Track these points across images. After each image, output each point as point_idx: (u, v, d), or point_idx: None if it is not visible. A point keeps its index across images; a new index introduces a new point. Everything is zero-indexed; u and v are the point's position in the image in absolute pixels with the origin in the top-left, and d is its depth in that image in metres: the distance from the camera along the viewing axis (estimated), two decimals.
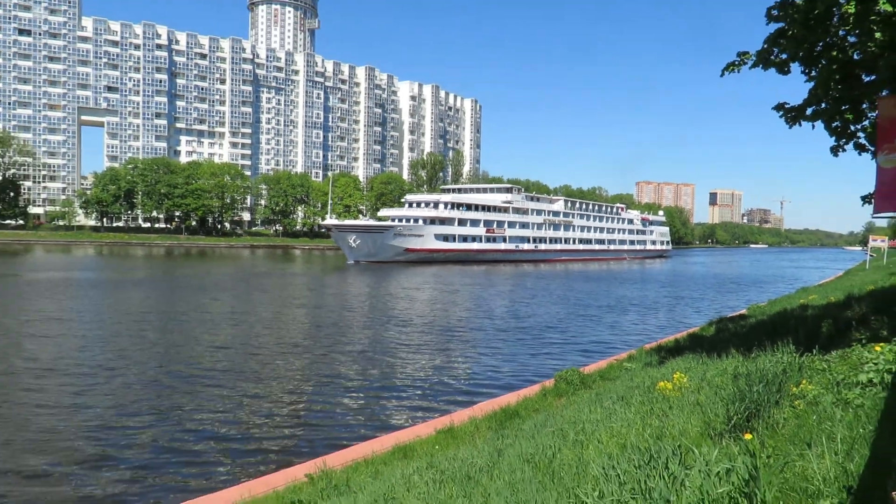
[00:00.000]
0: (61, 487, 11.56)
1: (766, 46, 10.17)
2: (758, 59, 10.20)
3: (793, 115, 10.66)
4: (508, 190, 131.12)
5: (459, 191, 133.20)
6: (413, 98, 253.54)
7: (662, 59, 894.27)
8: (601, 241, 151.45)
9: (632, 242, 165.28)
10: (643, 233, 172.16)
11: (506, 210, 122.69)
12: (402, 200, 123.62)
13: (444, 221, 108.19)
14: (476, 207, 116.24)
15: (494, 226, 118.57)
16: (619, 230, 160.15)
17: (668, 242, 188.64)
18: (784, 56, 10.08)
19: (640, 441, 6.19)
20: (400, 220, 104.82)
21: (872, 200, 9.45)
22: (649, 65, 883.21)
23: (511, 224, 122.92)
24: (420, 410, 16.89)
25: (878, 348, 7.27)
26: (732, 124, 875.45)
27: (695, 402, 7.65)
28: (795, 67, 10.30)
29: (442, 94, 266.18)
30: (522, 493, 5.26)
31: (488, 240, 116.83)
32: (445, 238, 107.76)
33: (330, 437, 14.65)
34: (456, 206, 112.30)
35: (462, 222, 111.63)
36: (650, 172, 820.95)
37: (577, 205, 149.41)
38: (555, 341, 28.36)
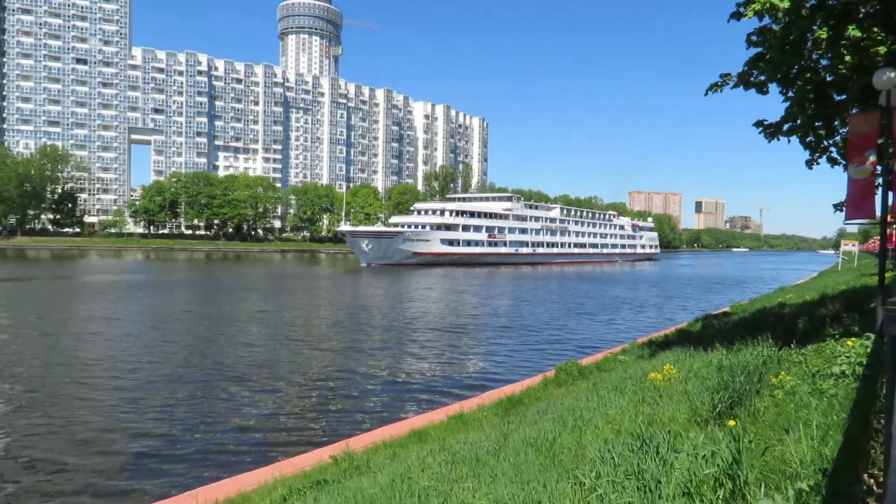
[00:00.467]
0: (106, 468, 11.63)
1: (746, 69, 10.12)
2: (738, 80, 10.15)
3: (771, 130, 10.60)
4: (509, 198, 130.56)
5: (464, 199, 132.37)
6: (426, 117, 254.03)
7: (653, 77, 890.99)
8: (595, 246, 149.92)
9: (623, 246, 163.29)
10: (633, 238, 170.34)
11: (506, 217, 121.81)
12: (412, 208, 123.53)
13: (449, 227, 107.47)
14: (479, 214, 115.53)
15: (496, 231, 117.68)
16: (611, 235, 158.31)
17: (656, 246, 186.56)
18: (763, 77, 10.03)
19: (633, 427, 6.15)
20: (409, 227, 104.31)
21: (844, 208, 9.39)
22: (642, 81, 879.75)
23: (511, 230, 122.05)
24: (433, 398, 16.86)
25: (850, 343, 7.20)
26: (716, 138, 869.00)
27: (683, 391, 7.60)
28: (773, 88, 10.24)
29: (452, 112, 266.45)
30: (526, 473, 5.24)
31: (490, 244, 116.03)
32: (450, 243, 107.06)
33: (352, 422, 14.65)
34: (460, 213, 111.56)
35: (466, 228, 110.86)
36: (641, 182, 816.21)
37: (573, 212, 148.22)
38: (554, 336, 28.24)
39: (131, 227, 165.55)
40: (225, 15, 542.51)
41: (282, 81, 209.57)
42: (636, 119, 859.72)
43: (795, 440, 4.50)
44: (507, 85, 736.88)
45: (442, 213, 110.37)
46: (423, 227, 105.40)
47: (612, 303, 44.92)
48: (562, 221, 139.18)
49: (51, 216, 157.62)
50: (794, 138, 10.39)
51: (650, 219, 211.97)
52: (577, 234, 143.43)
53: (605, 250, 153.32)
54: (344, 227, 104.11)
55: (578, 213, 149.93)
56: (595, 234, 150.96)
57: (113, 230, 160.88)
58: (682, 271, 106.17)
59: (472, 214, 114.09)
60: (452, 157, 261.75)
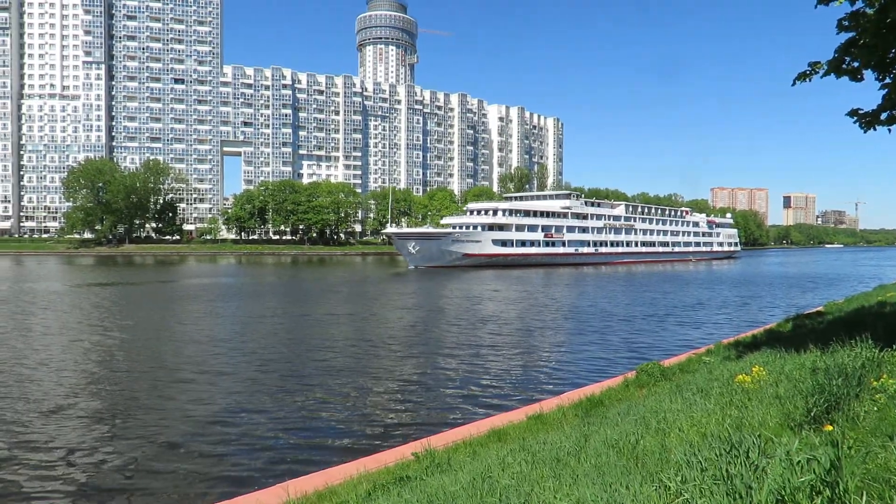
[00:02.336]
0: (204, 458, 12.28)
1: (837, 56, 9.47)
2: (829, 67, 9.50)
3: (867, 119, 9.87)
4: (567, 196, 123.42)
5: (520, 198, 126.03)
6: (501, 119, 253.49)
7: (736, 68, 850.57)
8: (665, 244, 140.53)
9: (697, 244, 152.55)
10: (709, 235, 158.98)
11: (564, 215, 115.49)
12: (464, 209, 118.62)
13: (502, 227, 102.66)
14: (534, 213, 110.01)
15: (553, 230, 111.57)
16: (683, 233, 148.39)
17: (736, 244, 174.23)
18: (856, 64, 9.34)
19: (720, 430, 5.88)
20: (459, 227, 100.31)
21: None
22: (724, 74, 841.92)
23: (570, 228, 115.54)
24: (511, 398, 16.76)
25: None
26: (804, 130, 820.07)
27: (774, 394, 7.20)
28: (869, 74, 9.52)
29: (527, 114, 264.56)
30: (608, 475, 5.12)
31: (547, 244, 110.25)
32: (503, 243, 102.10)
33: (432, 420, 14.79)
34: (514, 212, 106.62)
35: (520, 228, 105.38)
36: (724, 178, 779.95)
37: (640, 209, 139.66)
38: (631, 338, 27.39)
39: (224, 233, 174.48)
40: (306, 30, 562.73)
41: (360, 91, 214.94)
42: (718, 114, 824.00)
43: None
44: (583, 84, 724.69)
45: (494, 212, 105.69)
46: (475, 227, 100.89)
47: (689, 303, 42.86)
48: (627, 219, 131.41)
49: (154, 225, 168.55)
50: (893, 127, 9.63)
51: (729, 215, 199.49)
52: (644, 232, 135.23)
53: (676, 249, 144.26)
54: (390, 228, 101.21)
55: (646, 210, 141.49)
56: (665, 232, 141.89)
57: (208, 237, 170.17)
58: (768, 269, 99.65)
59: (526, 213, 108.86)
60: (527, 158, 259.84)
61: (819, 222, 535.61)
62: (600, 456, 6.03)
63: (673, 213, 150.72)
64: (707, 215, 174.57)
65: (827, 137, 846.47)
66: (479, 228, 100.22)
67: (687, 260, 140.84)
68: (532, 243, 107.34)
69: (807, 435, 5.10)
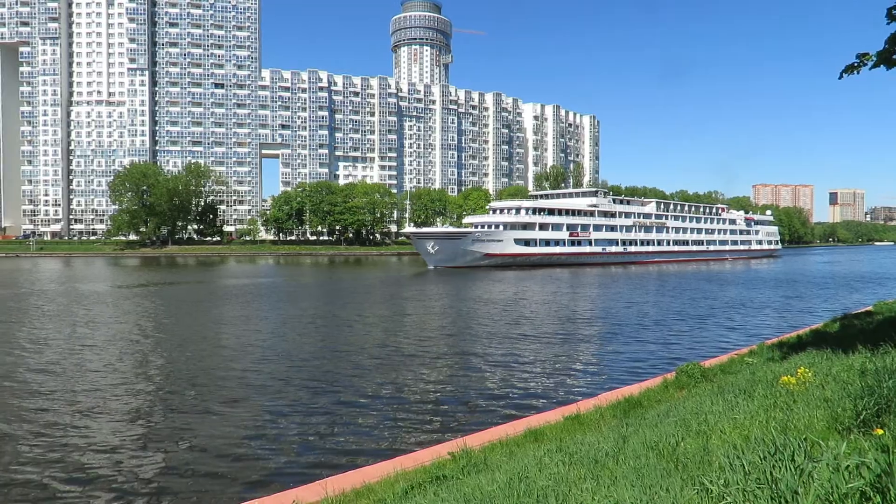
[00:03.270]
0: (245, 455, 12.54)
1: (887, 46, 9.11)
2: (879, 59, 9.15)
3: None
4: (594, 193, 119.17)
5: (544, 196, 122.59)
6: (536, 118, 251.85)
7: (779, 63, 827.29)
8: (699, 243, 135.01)
9: (734, 243, 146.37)
10: (747, 233, 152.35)
11: (591, 213, 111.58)
12: (486, 208, 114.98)
13: (525, 226, 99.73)
14: (559, 212, 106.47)
15: (579, 229, 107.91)
16: (719, 231, 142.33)
17: (776, 242, 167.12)
18: None
19: (763, 433, 5.73)
20: (481, 227, 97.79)
21: None
22: (767, 69, 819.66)
23: (597, 227, 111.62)
24: (547, 398, 16.66)
25: None
26: (851, 125, 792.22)
27: (820, 396, 6.97)
28: None
29: (562, 112, 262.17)
30: (648, 477, 5.03)
31: (572, 243, 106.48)
32: (526, 243, 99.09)
33: (468, 420, 14.79)
34: (537, 211, 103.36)
35: (544, 227, 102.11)
36: (767, 175, 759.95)
37: (672, 206, 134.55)
38: (668, 337, 26.91)
39: (263, 234, 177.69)
40: (342, 32, 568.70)
41: (395, 92, 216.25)
42: (759, 109, 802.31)
43: None
44: (620, 81, 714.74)
45: (517, 211, 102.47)
46: (496, 226, 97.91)
47: (727, 304, 41.77)
48: (658, 217, 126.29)
49: (195, 227, 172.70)
50: None
51: (769, 212, 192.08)
52: (676, 230, 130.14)
53: (711, 247, 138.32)
54: (408, 228, 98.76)
55: (678, 208, 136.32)
56: (699, 231, 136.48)
57: (248, 238, 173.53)
58: (812, 268, 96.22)
59: (551, 212, 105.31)
60: (563, 156, 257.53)
61: (868, 219, 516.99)
62: (639, 458, 5.93)
63: (708, 210, 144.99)
64: (747, 212, 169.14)
65: (876, 131, 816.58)
66: (501, 228, 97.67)
67: (723, 259, 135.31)
68: (557, 242, 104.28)
69: (855, 439, 4.93)
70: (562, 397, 16.61)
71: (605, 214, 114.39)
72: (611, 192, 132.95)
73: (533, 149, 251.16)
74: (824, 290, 53.70)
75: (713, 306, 39.77)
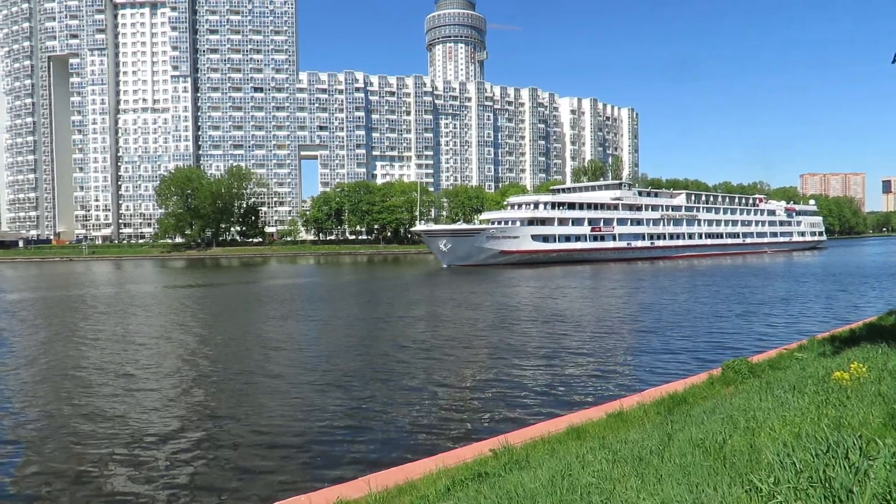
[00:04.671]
0: (290, 453, 12.77)
1: None
2: None
3: None
4: (618, 186, 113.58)
5: (566, 190, 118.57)
6: (573, 112, 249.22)
7: (827, 49, 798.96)
8: (734, 235, 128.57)
9: (773, 234, 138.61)
10: (788, 224, 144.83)
11: (615, 207, 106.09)
12: (504, 203, 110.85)
13: (543, 222, 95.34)
14: (580, 206, 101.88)
15: (601, 224, 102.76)
16: (756, 222, 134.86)
17: (820, 233, 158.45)
18: None
19: (816, 430, 5.55)
20: (498, 223, 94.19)
21: None
22: (813, 55, 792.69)
23: (621, 221, 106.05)
24: (588, 395, 16.49)
25: None
26: None
27: (876, 392, 6.72)
28: None
29: (600, 105, 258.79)
30: (694, 475, 4.94)
31: (594, 238, 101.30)
32: (544, 238, 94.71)
33: (509, 417, 14.76)
34: (556, 205, 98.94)
35: (563, 221, 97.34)
36: (815, 164, 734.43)
37: (703, 198, 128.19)
38: (710, 333, 26.26)
39: (303, 234, 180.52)
40: (377, 33, 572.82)
41: (431, 90, 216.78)
42: (808, 98, 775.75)
43: None
44: (659, 73, 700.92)
45: (535, 206, 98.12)
46: (512, 222, 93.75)
47: (771, 298, 40.37)
48: (688, 209, 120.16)
49: (238, 228, 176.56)
50: None
51: (812, 201, 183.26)
52: (709, 222, 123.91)
53: (748, 240, 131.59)
54: (419, 226, 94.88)
55: (711, 199, 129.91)
56: (735, 223, 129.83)
57: (288, 238, 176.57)
58: (862, 259, 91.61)
59: (571, 206, 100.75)
60: (601, 150, 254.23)
61: None
62: (685, 455, 5.83)
63: (744, 200, 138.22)
64: (793, 203, 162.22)
65: None
66: (518, 223, 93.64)
67: (762, 252, 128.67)
68: (577, 238, 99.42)
69: None
70: (603, 394, 16.42)
71: (629, 207, 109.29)
72: (636, 185, 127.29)
73: (570, 143, 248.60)
74: (877, 281, 51.49)
75: (754, 301, 38.62)
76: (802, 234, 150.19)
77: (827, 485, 3.83)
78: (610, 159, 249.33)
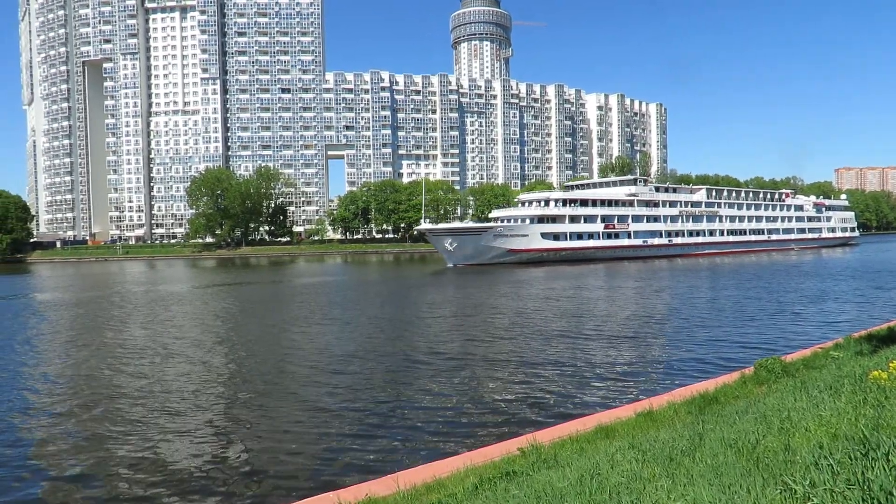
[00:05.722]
0: (317, 454, 12.90)
1: None
2: None
3: None
4: (633, 182, 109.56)
5: (580, 187, 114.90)
6: (600, 108, 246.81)
7: (862, 37, 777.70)
8: (758, 232, 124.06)
9: (801, 231, 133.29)
10: (817, 220, 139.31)
11: (630, 204, 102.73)
12: (515, 200, 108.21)
13: (554, 219, 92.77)
14: (592, 203, 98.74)
15: (615, 221, 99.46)
16: (782, 218, 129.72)
17: (852, 229, 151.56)
18: None
19: (853, 431, 5.42)
20: (507, 221, 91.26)
21: None
22: (846, 42, 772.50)
23: (637, 218, 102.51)
24: (617, 394, 16.34)
25: None
26: None
27: None
28: None
29: (627, 101, 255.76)
30: (726, 476, 4.86)
31: (608, 236, 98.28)
32: (555, 237, 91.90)
33: (537, 416, 14.70)
34: (569, 202, 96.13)
35: (574, 219, 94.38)
36: (851, 158, 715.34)
37: (725, 193, 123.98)
38: (740, 332, 25.77)
39: (331, 234, 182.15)
40: (402, 32, 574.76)
41: (456, 88, 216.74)
42: (842, 88, 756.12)
43: None
44: (687, 67, 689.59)
45: (546, 203, 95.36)
46: (522, 220, 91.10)
47: (799, 296, 39.37)
48: (709, 205, 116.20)
49: (267, 228, 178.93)
50: None
51: (844, 196, 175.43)
52: (731, 219, 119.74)
53: (773, 236, 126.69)
54: (423, 224, 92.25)
55: (733, 195, 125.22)
56: (759, 219, 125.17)
57: (316, 238, 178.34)
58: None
59: (584, 203, 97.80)
60: (629, 146, 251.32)
61: None
62: (717, 456, 5.73)
63: (769, 196, 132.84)
64: (817, 197, 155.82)
65: None
66: (528, 221, 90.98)
67: (788, 249, 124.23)
68: (590, 236, 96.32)
69: None
70: (632, 393, 16.26)
71: (645, 204, 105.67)
72: (652, 181, 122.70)
73: (597, 140, 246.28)
74: None
75: (783, 299, 37.63)
76: (832, 229, 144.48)
77: (865, 487, 3.74)
78: (638, 155, 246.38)
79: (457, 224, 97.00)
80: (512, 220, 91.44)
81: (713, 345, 22.92)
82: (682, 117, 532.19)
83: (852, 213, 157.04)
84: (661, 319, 30.10)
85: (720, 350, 21.91)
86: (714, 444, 6.28)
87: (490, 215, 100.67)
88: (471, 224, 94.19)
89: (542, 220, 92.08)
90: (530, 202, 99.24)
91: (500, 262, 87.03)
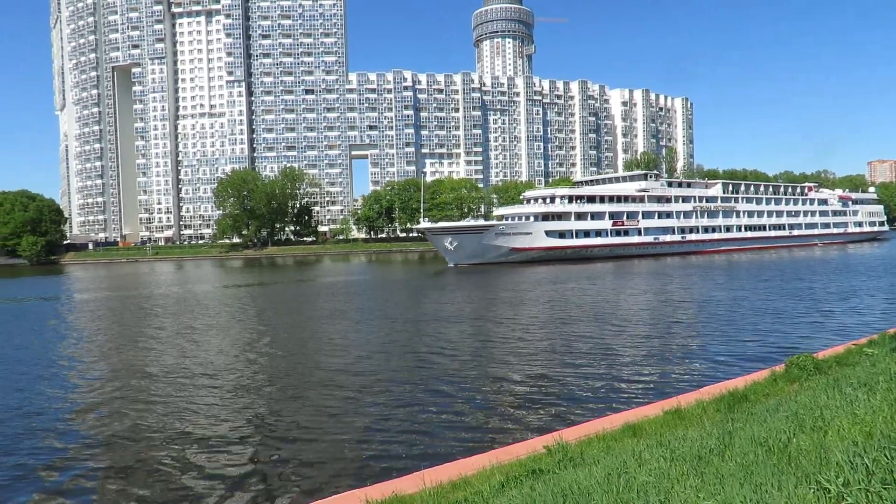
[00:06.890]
0: (345, 452, 13.02)
1: None
2: None
3: None
4: (644, 177, 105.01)
5: (588, 182, 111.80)
6: (624, 104, 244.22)
7: (886, 34, 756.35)
8: (779, 227, 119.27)
9: (825, 226, 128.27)
10: (842, 214, 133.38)
11: (640, 199, 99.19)
12: (520, 197, 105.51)
13: (559, 216, 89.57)
14: (600, 199, 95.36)
15: (624, 217, 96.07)
16: (805, 213, 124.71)
17: (881, 223, 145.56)
18: None
19: (889, 430, 5.29)
20: (510, 219, 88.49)
21: None
22: (876, 31, 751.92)
23: (647, 214, 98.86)
24: (644, 392, 16.17)
25: None
26: None
27: None
28: None
29: (652, 96, 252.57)
30: (757, 475, 4.78)
31: (616, 233, 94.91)
32: (560, 234, 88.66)
33: (563, 414, 14.63)
34: (574, 199, 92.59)
35: (581, 216, 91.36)
36: (885, 150, 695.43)
37: (742, 187, 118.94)
38: (767, 329, 25.26)
39: (355, 233, 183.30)
40: (424, 31, 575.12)
41: (479, 86, 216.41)
42: (874, 78, 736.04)
43: None
44: (714, 60, 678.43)
45: (551, 199, 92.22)
46: (526, 217, 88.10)
47: (825, 292, 38.25)
48: (725, 200, 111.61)
49: (292, 228, 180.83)
50: None
51: (872, 189, 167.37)
52: (749, 214, 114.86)
53: (795, 232, 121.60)
54: (423, 223, 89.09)
55: (751, 189, 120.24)
56: (779, 213, 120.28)
57: (341, 237, 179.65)
58: None
59: (591, 199, 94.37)
60: (654, 142, 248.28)
61: None
62: (747, 454, 5.65)
63: (791, 189, 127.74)
64: (845, 191, 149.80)
65: None
66: (532, 219, 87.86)
67: (811, 245, 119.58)
68: (597, 233, 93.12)
69: None
70: (659, 391, 16.07)
71: (657, 199, 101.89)
72: (663, 176, 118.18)
73: (622, 136, 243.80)
74: None
75: (808, 296, 36.71)
76: (860, 224, 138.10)
77: None
78: (663, 151, 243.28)
79: (458, 222, 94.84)
80: (516, 218, 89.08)
81: (739, 342, 22.54)
82: (709, 113, 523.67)
83: (881, 207, 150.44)
84: (682, 317, 29.69)
85: (747, 347, 21.54)
86: (744, 443, 6.19)
87: (494, 213, 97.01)
88: (471, 222, 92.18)
89: (546, 217, 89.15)
90: (535, 199, 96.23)
91: (503, 262, 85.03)
